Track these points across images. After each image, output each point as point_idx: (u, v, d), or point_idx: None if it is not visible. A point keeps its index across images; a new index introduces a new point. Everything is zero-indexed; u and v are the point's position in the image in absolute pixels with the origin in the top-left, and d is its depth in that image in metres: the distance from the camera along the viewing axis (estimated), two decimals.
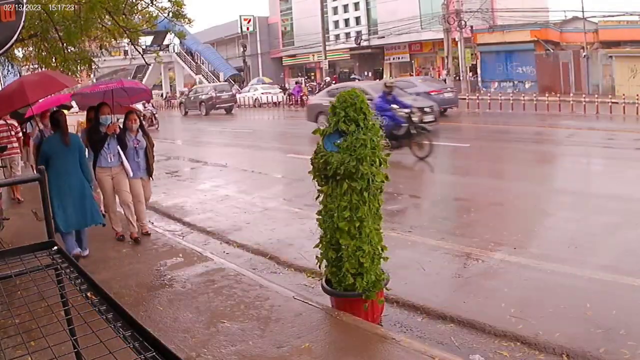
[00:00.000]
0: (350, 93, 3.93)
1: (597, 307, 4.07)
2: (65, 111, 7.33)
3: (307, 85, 37.35)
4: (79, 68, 9.41)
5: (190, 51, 44.11)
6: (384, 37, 35.05)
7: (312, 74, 43.36)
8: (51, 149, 5.32)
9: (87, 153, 6.62)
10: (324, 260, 4.10)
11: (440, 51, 32.00)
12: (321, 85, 32.99)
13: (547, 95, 19.81)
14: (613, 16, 26.35)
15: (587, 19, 26.16)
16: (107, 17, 8.26)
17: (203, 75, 43.54)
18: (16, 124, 8.97)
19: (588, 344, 3.59)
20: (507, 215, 7.07)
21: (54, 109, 7.03)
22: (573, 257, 5.16)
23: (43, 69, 10.30)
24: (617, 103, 17.61)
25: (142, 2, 8.89)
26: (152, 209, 8.16)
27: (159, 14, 8.95)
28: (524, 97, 21.45)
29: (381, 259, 4.04)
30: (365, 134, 3.83)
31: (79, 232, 5.56)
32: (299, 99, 30.73)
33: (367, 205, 3.87)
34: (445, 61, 29.24)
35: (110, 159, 6.21)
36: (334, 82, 35.47)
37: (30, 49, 10.26)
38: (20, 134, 8.98)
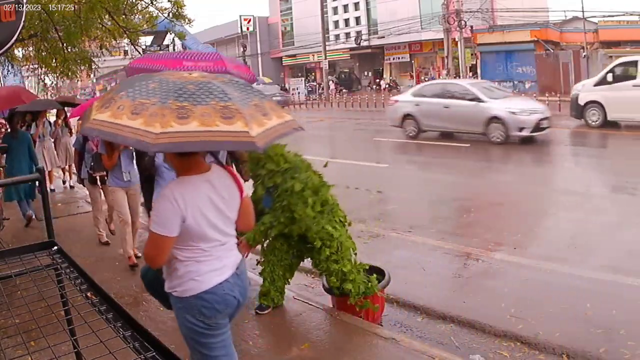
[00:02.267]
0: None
1: (597, 307, 4.07)
2: None
3: (307, 85, 37.35)
4: (79, 68, 9.42)
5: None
6: (384, 37, 35.05)
7: (312, 74, 43.36)
8: (9, 142, 7.03)
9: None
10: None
11: (440, 51, 31.99)
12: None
13: (547, 95, 19.79)
14: (613, 16, 26.37)
15: (587, 19, 26.17)
16: (107, 17, 8.26)
17: None
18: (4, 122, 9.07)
19: (588, 344, 3.59)
20: (507, 215, 7.06)
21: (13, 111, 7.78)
22: (573, 257, 5.16)
23: (43, 69, 10.31)
24: None
25: (142, 2, 8.90)
26: None
27: (159, 14, 8.95)
28: (524, 97, 21.41)
29: (361, 270, 4.02)
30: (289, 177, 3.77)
31: (28, 201, 7.36)
32: None
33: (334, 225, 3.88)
34: (445, 61, 29.21)
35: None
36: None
37: (30, 49, 10.26)
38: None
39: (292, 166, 3.77)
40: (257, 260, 4.25)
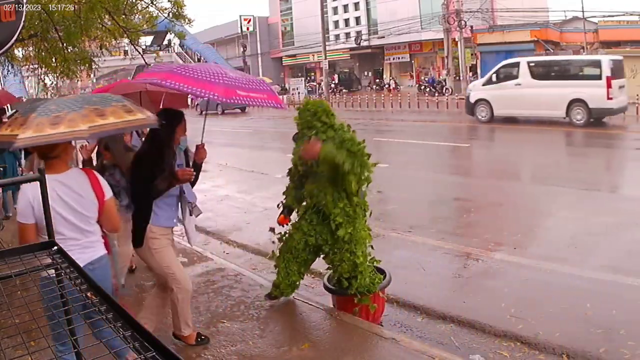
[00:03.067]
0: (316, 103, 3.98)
1: (597, 307, 4.08)
2: None
3: (307, 85, 37.30)
4: (79, 68, 9.41)
5: (191, 51, 44.11)
6: (384, 37, 35.06)
7: (312, 74, 43.38)
8: None
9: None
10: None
11: (440, 51, 32.01)
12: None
13: None
14: (613, 16, 26.40)
15: (587, 19, 26.20)
16: (107, 17, 8.25)
17: None
18: None
19: (588, 344, 3.59)
20: (507, 215, 7.07)
21: None
22: (573, 257, 5.16)
23: (43, 69, 10.30)
24: None
25: (142, 2, 8.89)
26: None
27: (159, 14, 8.94)
28: None
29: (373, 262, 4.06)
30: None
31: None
32: None
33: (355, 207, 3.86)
34: (445, 61, 29.23)
35: (177, 216, 3.61)
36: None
37: (30, 49, 10.25)
38: None
39: (340, 126, 3.91)
40: (272, 252, 4.32)
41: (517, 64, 15.72)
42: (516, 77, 15.44)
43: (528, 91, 14.99)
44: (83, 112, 2.45)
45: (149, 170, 3.25)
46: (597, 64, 14.41)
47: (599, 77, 14.02)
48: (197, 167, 3.63)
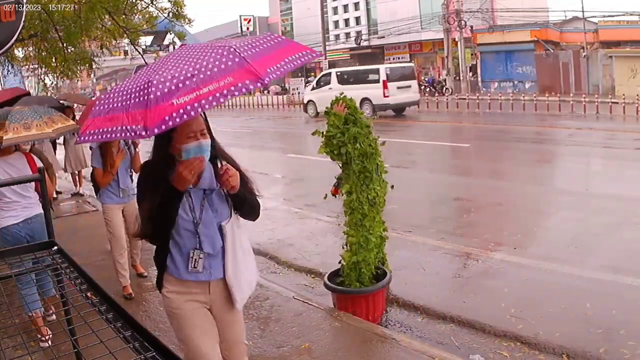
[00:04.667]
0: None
1: (597, 307, 4.08)
2: None
3: (307, 85, 37.31)
4: (79, 68, 9.42)
5: None
6: (384, 37, 35.07)
7: (312, 73, 43.37)
8: None
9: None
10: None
11: (440, 51, 32.00)
12: None
13: (547, 95, 19.80)
14: (613, 16, 26.38)
15: (587, 19, 26.17)
16: (107, 17, 8.25)
17: None
18: None
19: (588, 344, 3.59)
20: (507, 215, 7.07)
21: None
22: (573, 257, 5.16)
23: (43, 69, 10.31)
24: (617, 103, 17.60)
25: (142, 2, 8.90)
26: None
27: (159, 14, 8.95)
28: (524, 97, 21.42)
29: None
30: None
31: None
32: None
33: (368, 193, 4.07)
34: (445, 61, 29.24)
35: (202, 263, 2.22)
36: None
37: (30, 49, 10.26)
38: None
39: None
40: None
41: (330, 74, 21.44)
42: (329, 82, 20.59)
43: (336, 93, 18.49)
44: (44, 119, 3.75)
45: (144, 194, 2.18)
46: (377, 71, 19.58)
47: (378, 81, 19.10)
48: (236, 199, 2.24)
